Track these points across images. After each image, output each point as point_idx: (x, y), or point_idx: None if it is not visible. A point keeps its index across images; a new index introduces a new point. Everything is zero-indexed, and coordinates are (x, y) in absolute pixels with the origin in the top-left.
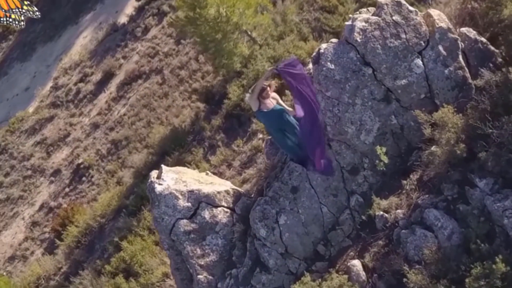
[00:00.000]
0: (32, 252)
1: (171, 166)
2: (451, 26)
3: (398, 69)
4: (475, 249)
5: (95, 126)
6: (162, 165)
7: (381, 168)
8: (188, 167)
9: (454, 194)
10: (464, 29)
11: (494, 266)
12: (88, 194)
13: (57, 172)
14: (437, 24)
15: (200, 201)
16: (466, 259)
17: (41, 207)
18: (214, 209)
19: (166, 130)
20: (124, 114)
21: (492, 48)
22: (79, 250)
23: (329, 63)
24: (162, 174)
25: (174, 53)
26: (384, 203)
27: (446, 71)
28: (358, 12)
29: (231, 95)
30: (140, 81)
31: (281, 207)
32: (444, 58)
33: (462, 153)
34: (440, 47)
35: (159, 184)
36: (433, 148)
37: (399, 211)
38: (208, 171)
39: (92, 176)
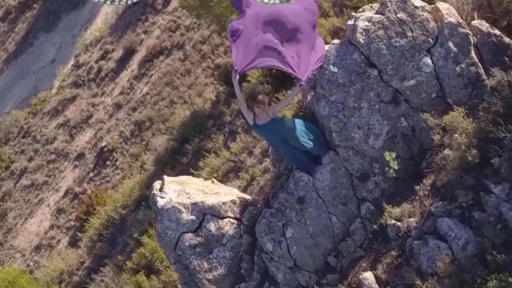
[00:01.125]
0: (58, 241)
1: (192, 152)
2: (461, 21)
3: (406, 69)
4: (492, 260)
5: (118, 106)
6: (165, 176)
7: (392, 175)
8: (208, 156)
9: (469, 201)
10: (476, 22)
11: (510, 278)
12: (112, 179)
13: (81, 156)
14: (446, 19)
15: (205, 213)
16: (482, 270)
17: (66, 193)
18: (220, 220)
19: (188, 112)
20: (147, 93)
21: (507, 40)
22: (101, 243)
23: (331, 66)
24: (165, 186)
25: (195, 27)
26: (396, 210)
27: (457, 69)
28: (361, 10)
29: (250, 78)
30: (162, 58)
31: (287, 219)
32: (455, 54)
33: (474, 159)
34: (450, 44)
35: (161, 197)
36: (446, 151)
37: (411, 219)
38: (213, 179)
39: (116, 160)
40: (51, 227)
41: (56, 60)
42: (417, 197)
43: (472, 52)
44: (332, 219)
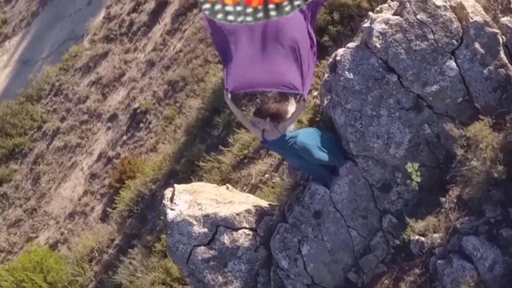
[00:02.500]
0: (92, 208)
1: (223, 124)
2: (488, 19)
3: (428, 74)
4: None
5: (151, 63)
6: (175, 185)
7: (415, 188)
8: (238, 132)
9: (497, 216)
10: (505, 20)
11: None
12: (146, 143)
13: (113, 117)
14: (472, 18)
15: (218, 225)
16: None
17: (100, 157)
18: (234, 232)
19: (221, 75)
20: (180, 51)
21: None
22: (132, 219)
23: (347, 72)
24: (175, 196)
25: None
26: (420, 224)
27: (485, 71)
28: (378, 9)
29: None
30: (195, 11)
31: (303, 235)
32: (482, 56)
33: (500, 175)
34: (477, 44)
35: (171, 209)
36: (472, 162)
37: (436, 235)
38: (228, 185)
39: (149, 122)
40: (85, 193)
41: (92, 3)
42: (442, 210)
43: (501, 52)
44: (351, 233)
